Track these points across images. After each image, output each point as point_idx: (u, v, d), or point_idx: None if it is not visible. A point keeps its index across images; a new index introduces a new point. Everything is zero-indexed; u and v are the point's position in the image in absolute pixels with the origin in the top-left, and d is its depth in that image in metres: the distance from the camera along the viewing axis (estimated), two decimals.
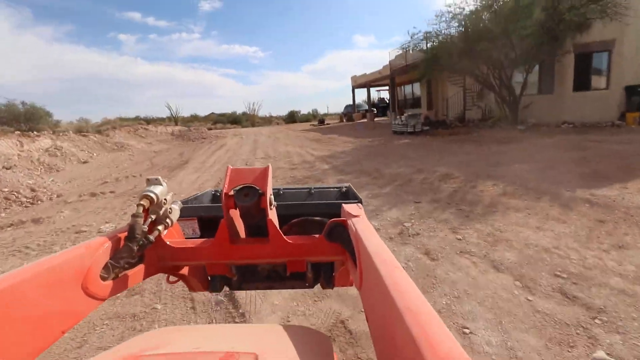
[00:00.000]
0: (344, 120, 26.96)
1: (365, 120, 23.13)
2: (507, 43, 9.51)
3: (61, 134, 14.30)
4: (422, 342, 0.24)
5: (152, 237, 0.59)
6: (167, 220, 0.64)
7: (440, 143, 9.24)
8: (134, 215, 0.58)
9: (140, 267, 0.60)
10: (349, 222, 0.61)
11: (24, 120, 13.98)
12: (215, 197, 1.08)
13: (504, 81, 10.71)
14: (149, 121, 31.90)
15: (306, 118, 43.00)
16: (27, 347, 0.39)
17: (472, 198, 4.25)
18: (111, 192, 6.86)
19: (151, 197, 0.59)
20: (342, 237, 0.61)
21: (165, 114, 34.04)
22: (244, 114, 45.47)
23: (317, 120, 27.32)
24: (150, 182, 0.63)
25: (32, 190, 7.10)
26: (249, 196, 0.65)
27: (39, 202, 6.66)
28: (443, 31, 11.34)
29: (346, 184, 1.07)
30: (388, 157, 7.78)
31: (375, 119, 22.49)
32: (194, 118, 47.01)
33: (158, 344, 0.46)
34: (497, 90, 11.08)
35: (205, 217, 0.83)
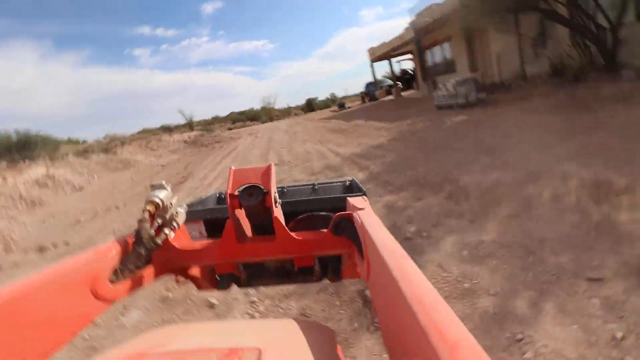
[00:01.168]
0: (367, 101, 24.07)
1: (392, 97, 20.17)
2: None
3: (59, 159, 12.90)
4: (429, 329, 0.24)
5: (159, 241, 0.59)
6: (174, 223, 0.63)
7: (518, 116, 6.38)
8: (141, 221, 0.57)
9: (149, 270, 0.61)
10: (355, 215, 0.59)
11: (18, 149, 12.59)
12: (220, 199, 1.06)
13: (586, 9, 7.55)
14: (171, 129, 31.18)
15: (325, 104, 40.36)
16: (39, 350, 0.40)
17: None
18: (66, 243, 4.94)
19: (156, 202, 0.59)
20: (348, 231, 0.59)
21: (195, 118, 33.16)
22: (262, 109, 43.82)
23: (337, 104, 24.60)
24: (154, 187, 0.62)
25: None
26: (253, 195, 0.65)
27: None
28: None
29: (349, 178, 1.02)
30: (452, 149, 5.18)
31: (402, 94, 19.48)
32: (215, 120, 46.50)
33: (162, 342, 0.47)
34: (576, 23, 7.93)
35: (211, 219, 0.82)
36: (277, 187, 0.80)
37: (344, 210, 0.68)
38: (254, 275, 0.80)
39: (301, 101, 45.55)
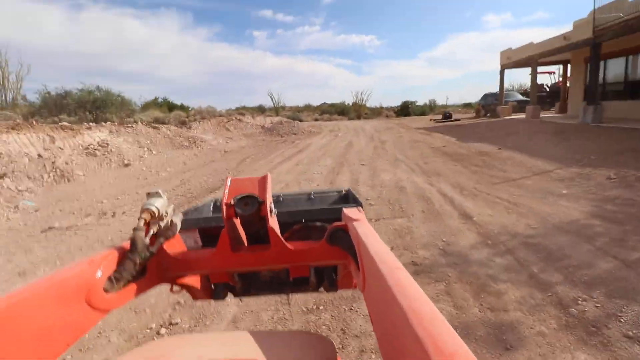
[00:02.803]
0: (482, 115, 19.15)
1: (523, 116, 15.13)
2: None
3: (128, 125, 11.96)
4: (427, 342, 0.24)
5: (154, 250, 0.58)
6: (169, 232, 0.63)
7: None
8: (136, 229, 0.57)
9: (143, 279, 0.59)
10: (350, 225, 0.60)
11: (93, 108, 11.86)
12: (216, 207, 1.04)
13: None
14: (264, 111, 31.25)
15: (421, 110, 35.56)
16: None
17: None
18: None
19: (152, 211, 0.59)
20: (344, 241, 0.60)
21: (288, 103, 33.01)
22: (352, 104, 41.40)
23: (442, 113, 20.13)
24: (150, 195, 0.62)
25: None
26: (249, 205, 0.65)
27: None
28: None
29: (345, 188, 1.04)
30: None
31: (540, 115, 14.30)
32: (306, 108, 46.41)
33: (159, 355, 0.46)
34: None
35: (206, 228, 0.81)
36: (273, 195, 0.79)
37: (340, 220, 0.68)
38: (249, 284, 0.79)
39: (395, 103, 41.72)
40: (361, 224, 0.58)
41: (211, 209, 1.02)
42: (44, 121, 10.28)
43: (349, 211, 0.68)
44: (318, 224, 0.77)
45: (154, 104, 24.29)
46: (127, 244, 0.57)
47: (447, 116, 19.22)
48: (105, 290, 0.50)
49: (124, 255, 0.55)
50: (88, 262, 0.50)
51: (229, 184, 0.68)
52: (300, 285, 0.78)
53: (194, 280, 0.72)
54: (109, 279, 0.51)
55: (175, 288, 0.69)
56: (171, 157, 10.80)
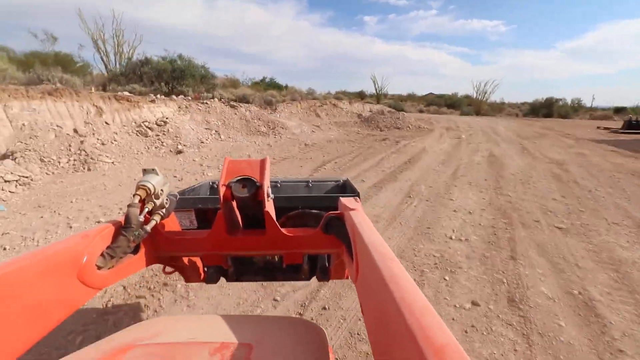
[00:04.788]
0: None
1: None
2: None
3: (202, 102, 10.05)
4: (418, 334, 0.24)
5: (148, 228, 0.56)
6: (164, 211, 0.60)
7: None
8: (130, 206, 0.55)
9: (137, 257, 0.58)
10: (346, 214, 0.58)
11: (170, 78, 10.21)
12: (213, 188, 1.03)
13: None
14: (364, 97, 28.51)
15: (564, 110, 26.92)
16: (22, 337, 0.37)
17: None
18: None
19: (147, 188, 0.56)
20: (339, 230, 0.59)
21: (390, 91, 29.42)
22: (466, 97, 34.66)
23: (625, 121, 13.29)
24: (146, 172, 0.59)
25: None
26: (246, 188, 0.62)
27: None
28: None
29: (344, 177, 1.05)
30: None
31: None
32: (410, 97, 41.59)
33: (154, 334, 0.44)
34: None
35: (203, 208, 0.79)
36: (271, 181, 0.78)
37: (336, 209, 0.65)
38: (242, 269, 0.77)
39: (521, 98, 33.50)
40: (357, 213, 0.57)
41: (208, 189, 1.02)
42: (116, 89, 8.85)
43: (346, 200, 0.66)
44: (314, 211, 0.75)
45: (261, 83, 23.30)
46: (120, 221, 0.54)
47: (633, 125, 12.51)
48: (98, 267, 0.48)
49: (118, 232, 0.53)
50: (81, 236, 0.47)
51: (226, 165, 0.66)
52: (292, 273, 0.79)
53: (187, 262, 0.70)
54: (102, 255, 0.50)
55: (168, 269, 0.69)
56: (239, 145, 8.43)
